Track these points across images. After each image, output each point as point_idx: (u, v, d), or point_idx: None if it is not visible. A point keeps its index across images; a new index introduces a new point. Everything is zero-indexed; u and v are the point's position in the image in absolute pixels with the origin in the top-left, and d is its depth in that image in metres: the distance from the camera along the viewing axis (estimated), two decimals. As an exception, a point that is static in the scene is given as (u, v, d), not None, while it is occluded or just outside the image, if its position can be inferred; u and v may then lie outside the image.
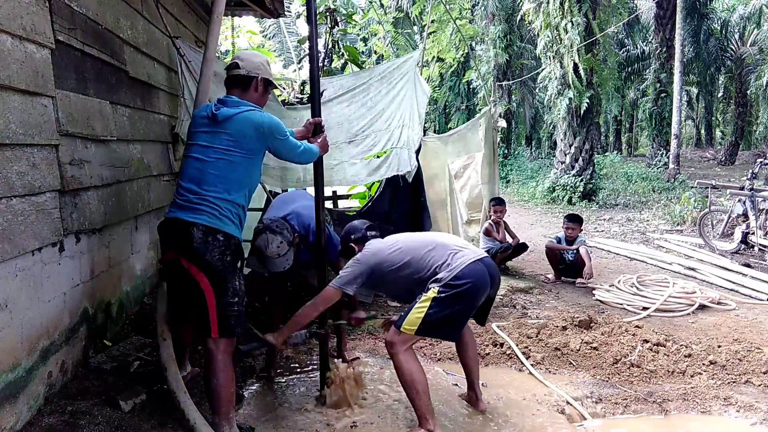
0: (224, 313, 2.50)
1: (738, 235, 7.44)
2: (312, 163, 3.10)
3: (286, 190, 5.15)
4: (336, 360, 3.36)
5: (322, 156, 3.08)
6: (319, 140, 3.03)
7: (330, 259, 3.37)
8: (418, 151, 5.29)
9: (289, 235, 3.13)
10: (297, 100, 10.65)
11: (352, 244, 3.15)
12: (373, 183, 6.12)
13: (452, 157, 6.86)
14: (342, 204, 7.42)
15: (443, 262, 2.80)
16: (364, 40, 19.97)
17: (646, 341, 3.99)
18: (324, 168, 3.25)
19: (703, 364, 3.73)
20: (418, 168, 5.34)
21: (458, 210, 6.56)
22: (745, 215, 7.45)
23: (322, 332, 3.21)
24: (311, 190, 3.37)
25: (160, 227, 2.67)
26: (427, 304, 2.72)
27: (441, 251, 2.86)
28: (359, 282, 2.91)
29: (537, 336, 4.14)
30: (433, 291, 2.73)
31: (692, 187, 12.60)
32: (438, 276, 2.77)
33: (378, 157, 5.17)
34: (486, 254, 2.97)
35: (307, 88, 10.04)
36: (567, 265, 6.15)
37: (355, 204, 7.47)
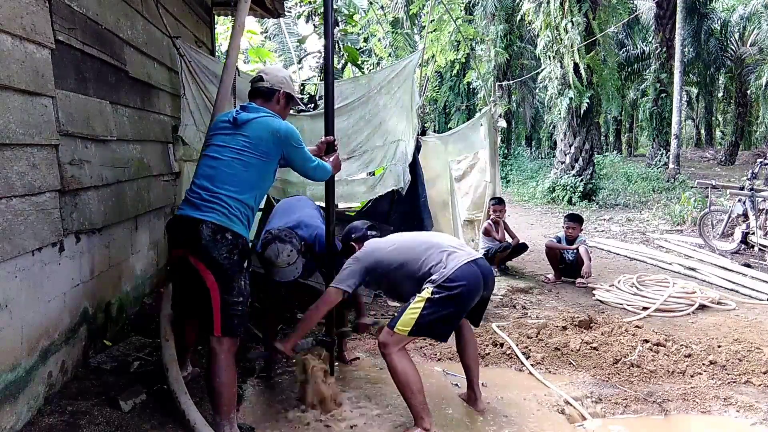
0: (228, 312, 2.51)
1: (738, 235, 7.44)
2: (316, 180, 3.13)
3: None
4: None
5: (333, 175, 3.13)
6: (331, 159, 3.08)
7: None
8: (418, 151, 5.30)
9: (298, 244, 3.15)
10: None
11: (353, 243, 3.18)
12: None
13: (453, 156, 6.87)
14: (342, 204, 7.41)
15: (437, 263, 2.81)
16: (365, 39, 19.97)
17: (646, 341, 3.99)
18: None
19: (703, 364, 3.73)
20: (419, 168, 5.36)
21: (458, 210, 6.57)
22: (745, 215, 7.45)
23: (328, 339, 3.22)
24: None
25: (168, 225, 2.68)
26: (421, 305, 2.72)
27: (436, 251, 2.87)
28: (357, 280, 2.92)
29: (537, 336, 4.14)
30: (427, 291, 2.74)
31: (692, 187, 12.60)
32: (432, 277, 2.77)
33: (374, 174, 5.26)
34: (480, 255, 2.97)
35: (307, 89, 10.04)
36: (567, 265, 6.15)
37: (355, 204, 7.47)
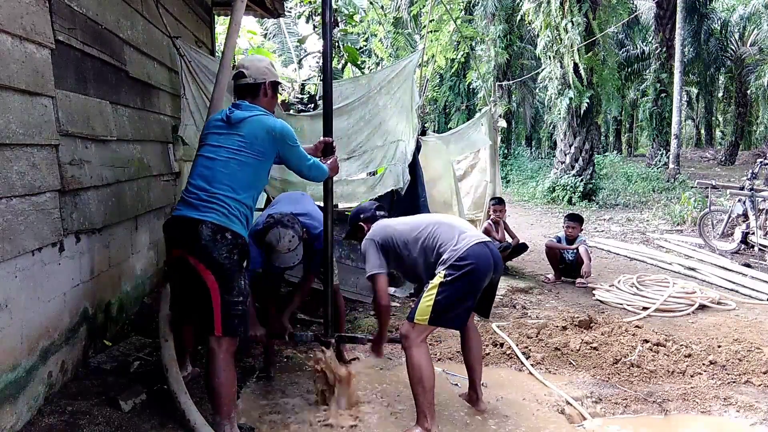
0: (228, 311, 2.51)
1: (738, 235, 7.44)
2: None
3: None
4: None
5: (331, 177, 3.07)
6: (329, 161, 3.01)
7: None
8: (418, 151, 5.30)
9: (300, 229, 3.14)
10: (297, 99, 10.65)
11: (362, 223, 3.19)
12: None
13: (455, 156, 6.86)
14: (342, 204, 7.42)
15: (449, 241, 2.83)
16: (366, 39, 19.97)
17: (646, 341, 3.98)
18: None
19: (703, 364, 3.73)
20: (419, 168, 5.36)
21: (463, 210, 6.58)
22: (745, 215, 7.44)
23: (326, 339, 3.22)
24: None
25: (166, 225, 2.66)
26: (435, 290, 2.74)
27: (447, 230, 2.89)
28: (382, 258, 2.95)
29: (537, 336, 4.14)
30: (439, 276, 2.75)
31: (692, 187, 12.60)
32: (443, 257, 2.79)
33: (374, 174, 5.25)
34: (490, 239, 2.98)
35: (307, 88, 10.03)
36: (567, 265, 6.15)
37: (355, 204, 7.47)
